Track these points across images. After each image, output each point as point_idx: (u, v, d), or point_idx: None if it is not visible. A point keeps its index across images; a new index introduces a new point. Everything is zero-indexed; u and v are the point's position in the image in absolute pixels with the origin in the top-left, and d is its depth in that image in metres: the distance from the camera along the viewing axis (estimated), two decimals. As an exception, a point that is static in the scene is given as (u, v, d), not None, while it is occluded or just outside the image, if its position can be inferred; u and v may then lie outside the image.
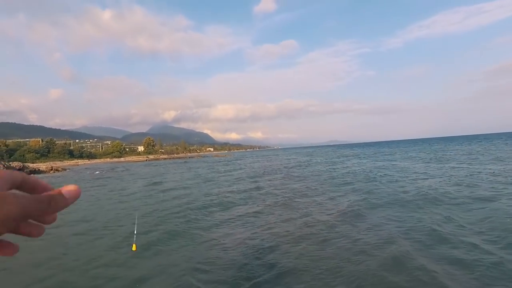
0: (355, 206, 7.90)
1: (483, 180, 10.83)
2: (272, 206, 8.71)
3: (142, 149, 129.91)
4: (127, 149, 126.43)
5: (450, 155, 26.34)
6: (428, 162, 20.19)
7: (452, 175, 12.61)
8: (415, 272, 3.89)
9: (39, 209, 0.41)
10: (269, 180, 15.58)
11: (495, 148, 30.90)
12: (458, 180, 11.22)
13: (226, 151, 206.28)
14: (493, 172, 12.50)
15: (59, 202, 0.43)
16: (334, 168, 20.40)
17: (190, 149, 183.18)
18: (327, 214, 7.29)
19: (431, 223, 5.90)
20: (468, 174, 12.52)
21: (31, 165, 40.27)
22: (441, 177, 12.30)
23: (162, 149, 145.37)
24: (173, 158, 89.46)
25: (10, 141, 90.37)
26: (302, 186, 12.46)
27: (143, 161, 77.83)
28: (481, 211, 6.65)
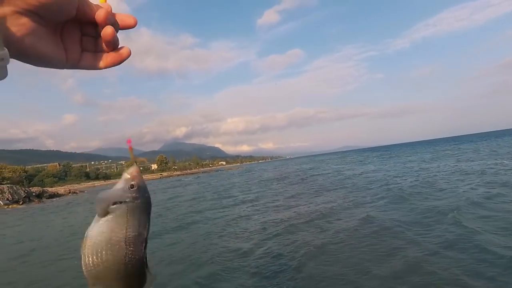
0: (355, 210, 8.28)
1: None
2: (277, 211, 9.25)
3: (156, 166, 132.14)
4: (141, 168, 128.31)
5: (455, 153, 26.13)
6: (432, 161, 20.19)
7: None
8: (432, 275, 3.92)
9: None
10: (273, 189, 16.08)
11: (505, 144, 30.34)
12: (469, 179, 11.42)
13: (238, 164, 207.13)
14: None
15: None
16: (333, 174, 20.73)
17: (202, 164, 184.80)
18: (325, 218, 7.73)
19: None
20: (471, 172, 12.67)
21: (50, 189, 41.77)
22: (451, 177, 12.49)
23: (175, 165, 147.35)
24: (186, 174, 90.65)
25: (29, 167, 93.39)
26: (299, 193, 13.08)
27: (157, 178, 79.25)
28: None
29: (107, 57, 0.49)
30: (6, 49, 0.37)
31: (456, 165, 16.37)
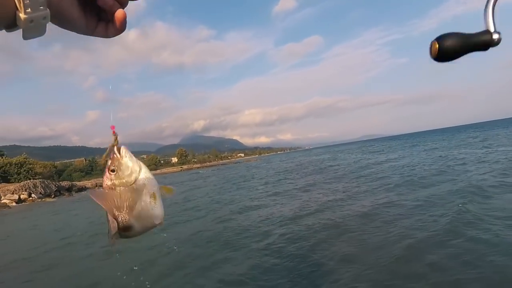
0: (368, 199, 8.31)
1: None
2: (293, 201, 9.41)
3: (176, 160, 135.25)
4: (162, 161, 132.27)
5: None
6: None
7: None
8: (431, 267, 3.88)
9: None
10: (290, 179, 16.22)
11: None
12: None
13: (257, 156, 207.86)
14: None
15: None
16: (351, 164, 20.61)
17: (221, 156, 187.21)
18: (338, 206, 7.82)
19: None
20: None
21: (78, 183, 43.91)
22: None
23: (194, 158, 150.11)
24: (205, 166, 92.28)
25: (58, 162, 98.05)
26: (316, 182, 13.11)
27: (177, 171, 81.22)
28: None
29: (113, 26, 0.55)
30: (48, 10, 0.45)
31: (482, 152, 15.78)
